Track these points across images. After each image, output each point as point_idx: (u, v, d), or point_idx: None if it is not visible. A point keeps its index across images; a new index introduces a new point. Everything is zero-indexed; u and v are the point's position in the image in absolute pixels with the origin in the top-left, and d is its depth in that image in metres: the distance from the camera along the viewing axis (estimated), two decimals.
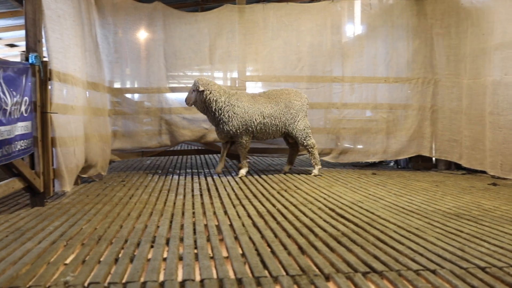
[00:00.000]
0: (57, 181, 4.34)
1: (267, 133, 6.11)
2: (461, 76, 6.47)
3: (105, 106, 6.21)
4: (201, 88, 5.83)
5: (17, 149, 3.66)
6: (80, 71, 5.05)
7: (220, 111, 5.90)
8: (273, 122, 6.04)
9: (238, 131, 5.96)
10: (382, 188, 5.14)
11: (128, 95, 7.02)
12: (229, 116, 5.90)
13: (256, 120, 5.96)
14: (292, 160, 6.51)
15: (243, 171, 6.09)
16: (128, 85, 7.32)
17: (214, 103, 5.88)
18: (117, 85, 6.95)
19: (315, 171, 6.14)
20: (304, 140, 6.11)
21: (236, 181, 5.63)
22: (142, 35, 6.98)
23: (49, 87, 4.21)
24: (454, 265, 2.45)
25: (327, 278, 2.29)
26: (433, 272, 2.36)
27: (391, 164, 7.75)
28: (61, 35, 4.47)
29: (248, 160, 6.30)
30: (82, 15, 5.32)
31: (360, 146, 7.11)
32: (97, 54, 5.91)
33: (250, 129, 5.99)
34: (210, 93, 5.86)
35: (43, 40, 4.21)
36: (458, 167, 6.76)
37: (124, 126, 6.77)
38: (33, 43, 4.11)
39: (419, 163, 7.10)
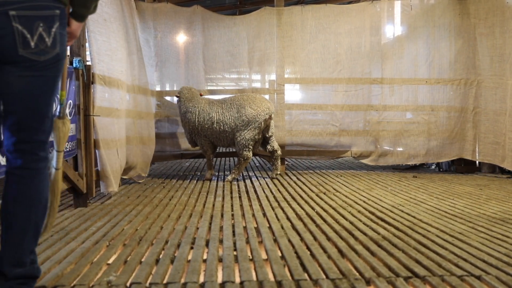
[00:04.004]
0: (103, 182, 4.43)
1: (218, 139, 5.96)
2: (506, 77, 6.27)
3: (150, 109, 6.29)
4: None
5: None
6: (126, 74, 5.14)
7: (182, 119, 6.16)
8: (222, 128, 5.84)
9: (192, 136, 6.10)
10: (423, 191, 5.04)
11: (168, 98, 7.10)
12: (184, 122, 6.10)
13: (206, 125, 5.90)
14: (276, 165, 6.18)
15: (207, 175, 6.13)
16: (167, 88, 7.42)
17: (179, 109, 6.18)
18: (157, 88, 7.06)
19: (229, 177, 5.88)
20: (240, 150, 5.81)
21: (274, 184, 5.63)
22: (182, 38, 7.06)
23: (92, 90, 4.31)
24: (500, 271, 2.37)
25: (368, 282, 2.26)
26: (478, 278, 2.29)
27: (433, 167, 7.60)
28: (108, 38, 4.56)
29: (212, 169, 6.22)
30: (125, 19, 5.42)
31: (400, 149, 6.99)
32: (140, 57, 6.00)
33: (202, 133, 5.98)
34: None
35: (87, 44, 4.31)
36: (503, 170, 6.56)
37: (164, 128, 6.87)
38: (77, 47, 4.21)
39: (462, 166, 6.93)
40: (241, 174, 6.00)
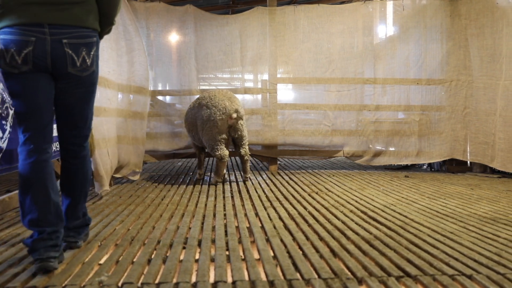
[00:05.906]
0: (97, 182, 4.41)
1: (193, 138, 5.84)
2: (496, 77, 6.31)
3: (144, 108, 6.27)
4: None
5: (52, 151, 3.73)
6: (116, 73, 5.11)
7: None
8: (189, 127, 5.76)
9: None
10: (415, 191, 5.06)
11: (160, 97, 7.08)
12: None
13: (186, 124, 5.90)
14: (244, 169, 5.82)
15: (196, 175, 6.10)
16: (159, 87, 7.40)
17: None
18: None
19: (212, 180, 5.66)
20: (211, 152, 5.50)
21: (267, 183, 5.63)
22: (174, 37, 7.04)
23: None
24: (490, 271, 2.39)
25: (360, 281, 2.26)
26: (469, 277, 2.31)
27: (424, 166, 7.63)
28: None
29: (202, 171, 6.17)
30: (123, 17, 5.39)
31: (392, 149, 7.01)
32: (133, 56, 5.96)
33: (188, 133, 5.97)
34: None
35: None
36: (494, 170, 6.60)
37: (156, 128, 6.84)
38: None
39: (453, 166, 6.97)
40: (223, 175, 5.67)
